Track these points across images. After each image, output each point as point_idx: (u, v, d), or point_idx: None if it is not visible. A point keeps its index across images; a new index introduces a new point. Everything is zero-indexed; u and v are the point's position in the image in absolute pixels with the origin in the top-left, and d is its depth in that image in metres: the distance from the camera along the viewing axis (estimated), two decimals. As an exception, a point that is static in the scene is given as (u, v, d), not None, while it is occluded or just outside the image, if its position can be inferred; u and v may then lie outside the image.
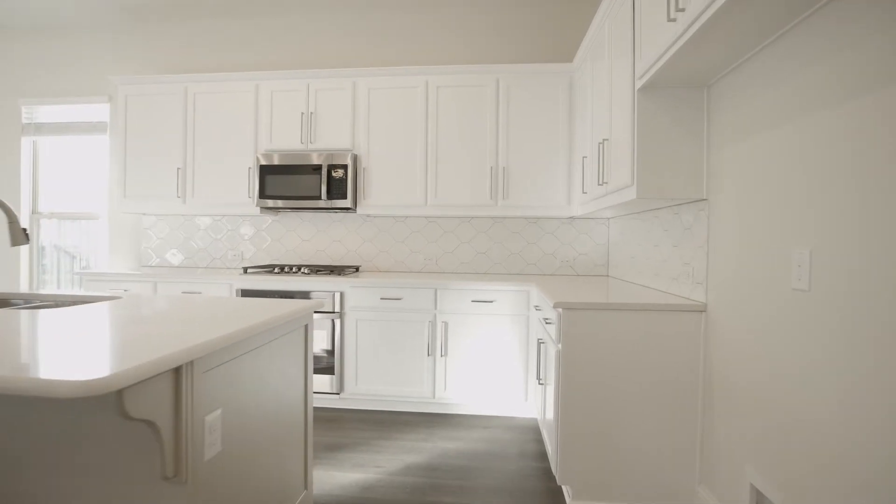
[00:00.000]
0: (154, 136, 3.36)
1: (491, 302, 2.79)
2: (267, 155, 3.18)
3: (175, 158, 3.34)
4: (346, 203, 3.10)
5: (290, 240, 3.58)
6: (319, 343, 2.91)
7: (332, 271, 3.04)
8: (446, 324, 2.82)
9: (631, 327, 1.87)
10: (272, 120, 3.26)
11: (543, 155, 3.05)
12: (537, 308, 2.55)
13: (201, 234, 3.66)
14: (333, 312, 2.89)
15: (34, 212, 3.95)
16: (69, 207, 3.95)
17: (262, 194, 3.18)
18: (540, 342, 2.34)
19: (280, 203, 3.17)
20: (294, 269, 3.08)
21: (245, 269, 3.07)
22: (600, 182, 2.30)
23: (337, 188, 3.11)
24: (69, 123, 3.89)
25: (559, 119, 3.04)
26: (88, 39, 3.76)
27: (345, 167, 3.10)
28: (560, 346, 1.90)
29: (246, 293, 2.96)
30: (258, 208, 3.25)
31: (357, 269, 3.40)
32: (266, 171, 3.18)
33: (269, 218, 3.59)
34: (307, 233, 3.56)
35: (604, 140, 2.26)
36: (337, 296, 2.89)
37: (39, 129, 3.88)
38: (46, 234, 3.98)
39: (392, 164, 3.15)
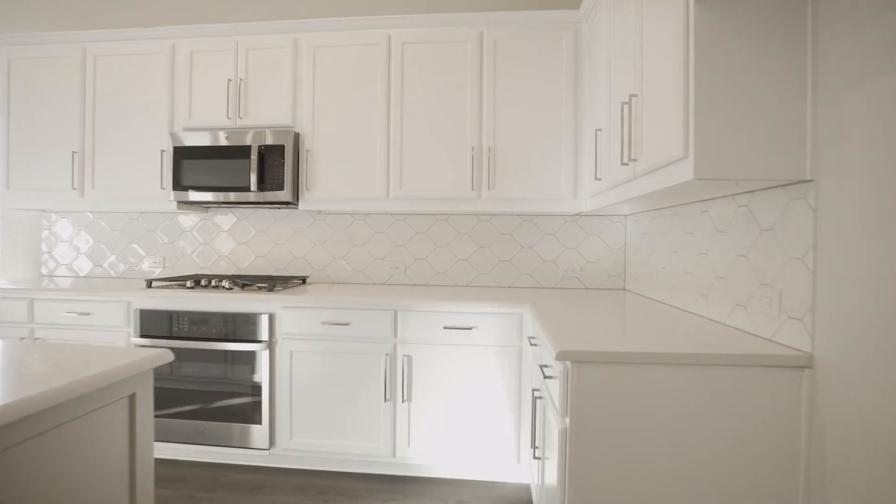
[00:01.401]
0: (44, 110, 2.62)
1: (470, 329, 2.05)
2: (184, 134, 2.44)
3: (70, 140, 2.60)
4: (284, 195, 2.36)
5: (222, 243, 2.84)
6: (249, 378, 2.17)
7: (268, 284, 2.30)
8: (410, 358, 2.08)
9: (681, 390, 1.14)
10: (192, 89, 2.51)
11: (541, 131, 2.31)
12: (533, 341, 1.81)
13: (114, 236, 2.92)
14: (260, 342, 2.15)
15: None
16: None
17: (178, 184, 2.45)
18: (536, 396, 1.60)
19: (200, 196, 2.43)
20: (212, 283, 2.33)
21: (149, 283, 2.33)
22: (624, 161, 1.56)
23: (271, 176, 2.37)
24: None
25: (561, 82, 2.30)
26: (-26, -7, 3.02)
27: (282, 148, 2.36)
28: (568, 420, 1.17)
29: (146, 315, 2.23)
30: (173, 202, 2.51)
31: (304, 280, 2.67)
32: (182, 155, 2.45)
33: (195, 215, 2.85)
34: (242, 234, 2.82)
35: (630, 97, 1.52)
36: (264, 319, 2.15)
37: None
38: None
39: (344, 145, 2.41)
